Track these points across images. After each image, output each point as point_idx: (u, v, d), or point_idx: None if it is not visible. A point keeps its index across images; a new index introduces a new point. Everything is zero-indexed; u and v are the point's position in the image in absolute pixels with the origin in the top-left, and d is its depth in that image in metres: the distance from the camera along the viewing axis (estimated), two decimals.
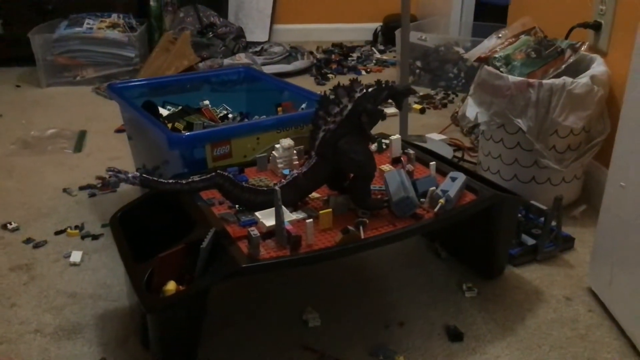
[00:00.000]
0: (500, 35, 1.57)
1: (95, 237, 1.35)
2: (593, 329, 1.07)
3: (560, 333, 1.06)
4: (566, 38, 1.52)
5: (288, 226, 0.90)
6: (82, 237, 1.36)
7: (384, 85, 0.99)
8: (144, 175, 0.89)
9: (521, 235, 1.29)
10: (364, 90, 0.97)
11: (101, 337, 1.04)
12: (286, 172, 1.10)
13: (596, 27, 1.51)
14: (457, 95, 2.38)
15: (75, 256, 1.26)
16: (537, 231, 1.29)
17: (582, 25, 1.52)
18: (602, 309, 1.12)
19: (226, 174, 0.94)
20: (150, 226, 1.04)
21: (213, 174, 0.93)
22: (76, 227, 1.39)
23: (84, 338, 1.04)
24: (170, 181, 0.92)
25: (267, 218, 0.92)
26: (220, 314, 1.07)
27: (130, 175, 0.88)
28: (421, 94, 2.39)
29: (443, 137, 1.89)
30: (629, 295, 1.03)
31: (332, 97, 0.98)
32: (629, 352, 1.01)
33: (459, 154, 1.78)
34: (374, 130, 1.03)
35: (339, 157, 0.97)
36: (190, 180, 0.93)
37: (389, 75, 2.69)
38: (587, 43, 1.47)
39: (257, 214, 0.95)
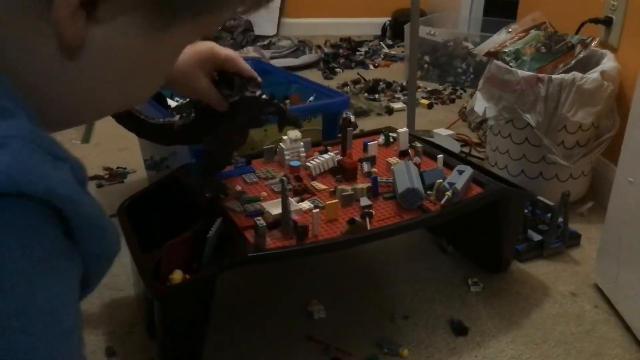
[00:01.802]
0: (510, 29, 1.56)
1: None
2: (598, 325, 1.07)
3: (566, 328, 1.06)
4: (576, 33, 1.51)
5: (295, 216, 0.90)
6: None
7: (275, 101, 0.98)
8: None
9: (527, 230, 1.28)
10: (254, 93, 0.93)
11: (107, 325, 1.05)
12: (294, 163, 1.10)
13: (607, 22, 1.49)
14: (465, 91, 2.37)
15: None
16: (544, 227, 1.29)
17: (593, 20, 1.51)
18: (608, 305, 1.11)
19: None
20: (157, 217, 1.04)
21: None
22: None
23: (90, 326, 1.04)
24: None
25: (273, 208, 0.92)
26: (225, 305, 1.07)
27: None
28: (429, 89, 2.38)
29: (450, 132, 1.88)
30: (635, 292, 1.02)
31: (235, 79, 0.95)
32: (634, 349, 1.01)
33: (466, 150, 1.78)
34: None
35: (205, 131, 0.97)
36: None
37: (397, 69, 2.68)
38: (597, 39, 1.46)
39: (263, 204, 0.95)
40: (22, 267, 0.31)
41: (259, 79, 0.95)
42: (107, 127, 2.01)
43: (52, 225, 0.33)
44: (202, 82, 0.89)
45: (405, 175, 1.01)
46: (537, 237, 1.27)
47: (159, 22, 0.40)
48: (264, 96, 0.95)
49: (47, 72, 0.39)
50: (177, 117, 1.00)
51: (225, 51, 0.92)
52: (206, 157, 1.01)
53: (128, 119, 0.98)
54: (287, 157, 1.12)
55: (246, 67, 0.93)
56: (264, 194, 1.02)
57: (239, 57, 0.94)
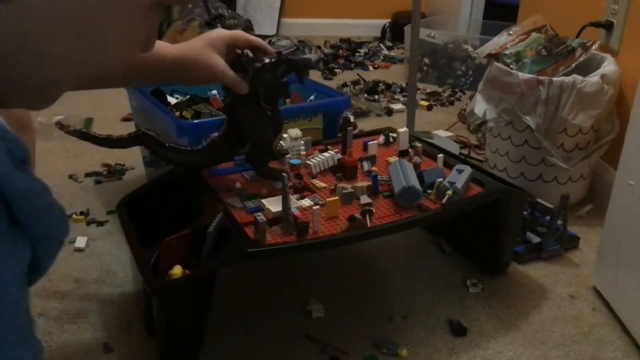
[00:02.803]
0: (511, 32, 1.56)
1: (100, 224, 1.35)
2: (597, 328, 1.07)
3: (564, 330, 1.06)
4: (577, 37, 1.52)
5: (295, 212, 0.90)
6: (87, 223, 1.36)
7: (282, 58, 0.96)
8: (83, 130, 0.98)
9: (527, 233, 1.28)
10: (264, 62, 0.94)
11: (105, 322, 1.04)
12: (294, 161, 1.09)
13: (608, 26, 1.50)
14: (464, 93, 2.37)
15: (80, 242, 1.26)
16: (543, 229, 1.29)
17: (594, 24, 1.52)
18: (606, 308, 1.11)
19: (151, 133, 0.99)
20: (156, 213, 1.03)
21: (139, 132, 1.00)
22: (81, 213, 1.39)
23: (88, 322, 1.04)
24: (104, 136, 1.00)
25: (273, 204, 0.92)
26: (224, 302, 1.06)
27: (72, 128, 0.97)
28: (428, 90, 2.38)
29: (450, 134, 1.88)
30: (634, 295, 1.02)
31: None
32: (632, 352, 1.01)
33: (465, 152, 1.78)
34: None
35: (238, 125, 0.99)
36: (120, 136, 1.00)
37: (397, 71, 2.68)
38: (598, 42, 1.46)
39: (263, 200, 0.95)
40: None
41: (269, 48, 0.95)
42: (105, 124, 2.01)
43: None
44: (217, 61, 0.90)
45: (400, 174, 1.01)
46: (536, 240, 1.27)
47: None
48: (272, 60, 0.94)
49: None
50: (214, 134, 1.02)
51: (232, 31, 0.94)
52: (251, 149, 1.02)
53: (168, 156, 1.01)
54: (287, 155, 1.12)
55: (255, 39, 0.95)
56: (264, 190, 1.01)
57: (245, 33, 0.95)
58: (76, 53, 0.40)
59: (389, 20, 3.31)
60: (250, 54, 0.94)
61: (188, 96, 1.51)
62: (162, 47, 0.90)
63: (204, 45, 0.90)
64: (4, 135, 0.33)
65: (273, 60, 0.94)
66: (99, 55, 0.42)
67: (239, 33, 0.94)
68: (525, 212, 1.27)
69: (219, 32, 0.92)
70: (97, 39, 0.41)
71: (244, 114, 0.98)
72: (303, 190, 1.03)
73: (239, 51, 0.94)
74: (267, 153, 1.04)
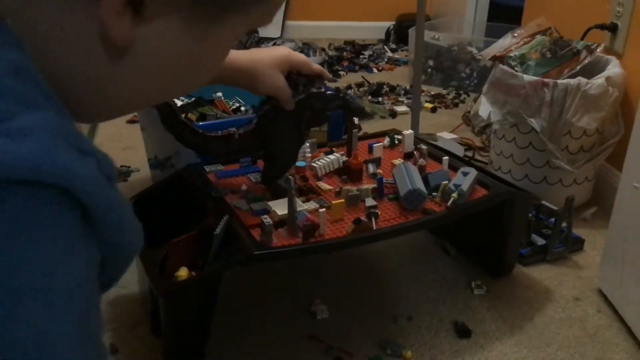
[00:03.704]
0: (515, 34, 1.57)
1: None
2: (602, 330, 1.07)
3: (569, 333, 1.06)
4: (582, 39, 1.52)
5: (307, 215, 0.91)
6: None
7: (341, 94, 0.99)
8: None
9: (531, 235, 1.28)
10: (321, 89, 0.97)
11: (110, 322, 1.04)
12: (299, 164, 1.10)
13: (613, 28, 1.50)
14: (468, 95, 2.37)
15: None
16: (547, 231, 1.29)
17: (599, 26, 1.52)
18: (611, 310, 1.11)
19: (174, 107, 1.00)
20: (162, 215, 1.04)
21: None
22: None
23: None
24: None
25: (279, 207, 0.92)
26: (229, 304, 1.07)
27: None
28: (432, 93, 2.39)
29: (454, 136, 1.89)
30: (639, 297, 1.02)
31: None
32: (638, 354, 1.01)
33: (469, 154, 1.78)
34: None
35: (269, 135, 1.00)
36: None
37: (401, 73, 2.68)
38: (602, 44, 1.46)
39: (269, 203, 0.95)
40: (34, 255, 0.31)
41: (329, 75, 0.99)
42: (111, 126, 2.01)
43: (71, 214, 0.33)
44: (280, 79, 0.95)
45: (405, 176, 1.01)
46: (540, 242, 1.27)
47: (208, 18, 0.39)
48: (329, 92, 0.97)
49: (89, 69, 0.39)
50: (233, 129, 1.02)
51: (299, 55, 0.99)
52: (269, 162, 1.03)
53: (183, 134, 1.00)
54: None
55: (317, 67, 0.99)
56: (270, 193, 1.02)
57: (310, 61, 0.99)
58: (169, 93, 0.46)
59: (393, 22, 3.31)
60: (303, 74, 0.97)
61: (193, 98, 1.52)
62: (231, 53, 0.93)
63: (272, 64, 0.94)
64: (92, 150, 0.34)
65: (331, 93, 0.97)
66: (187, 88, 0.47)
67: (303, 60, 0.97)
68: (530, 214, 1.27)
69: (287, 54, 0.96)
70: (191, 81, 0.45)
71: (278, 130, 0.98)
72: (308, 192, 1.03)
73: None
74: (284, 171, 1.04)
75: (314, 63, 0.99)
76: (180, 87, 0.46)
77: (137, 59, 0.39)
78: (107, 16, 0.36)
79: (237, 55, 0.93)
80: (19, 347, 0.29)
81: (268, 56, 0.95)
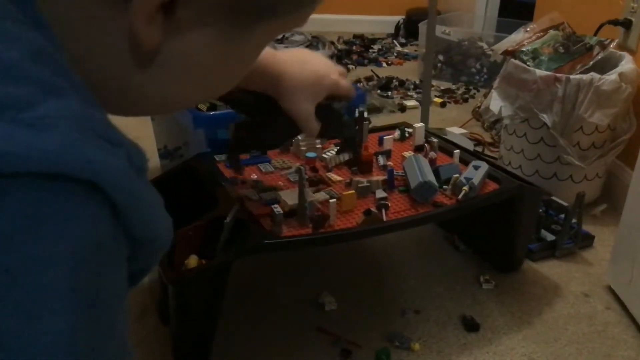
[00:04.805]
0: (528, 29, 1.55)
1: None
2: (611, 326, 1.06)
3: (577, 328, 1.05)
4: (595, 34, 1.51)
5: (317, 206, 0.91)
6: None
7: (353, 129, 0.96)
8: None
9: (541, 230, 1.28)
10: (341, 110, 0.90)
11: None
12: (310, 155, 1.10)
13: (626, 24, 1.49)
14: (478, 90, 2.36)
15: None
16: (557, 227, 1.28)
17: (612, 22, 1.50)
18: (620, 307, 1.11)
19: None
20: (171, 204, 1.03)
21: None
22: None
23: None
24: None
25: (289, 197, 0.92)
26: (237, 294, 1.07)
27: None
28: (442, 88, 2.38)
29: (464, 131, 1.88)
30: None
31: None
32: None
33: (479, 149, 1.77)
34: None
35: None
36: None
37: (410, 68, 2.67)
38: (616, 40, 1.45)
39: (280, 193, 0.95)
40: (58, 250, 0.29)
41: (353, 93, 0.89)
42: (119, 117, 2.01)
43: (98, 209, 0.31)
44: (307, 109, 0.82)
45: (416, 169, 1.01)
46: (550, 237, 1.26)
47: (242, 24, 0.38)
48: (346, 117, 0.90)
49: (116, 71, 0.38)
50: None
51: (343, 83, 0.86)
52: (240, 134, 0.95)
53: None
54: (303, 149, 1.12)
55: (346, 88, 0.88)
56: (280, 183, 1.02)
57: (351, 87, 0.89)
58: (194, 99, 0.45)
59: (403, 16, 3.30)
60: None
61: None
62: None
63: (303, 84, 0.81)
64: (121, 141, 0.33)
65: (349, 120, 0.92)
66: (215, 94, 0.46)
67: (345, 90, 0.86)
68: (539, 210, 1.27)
69: (325, 76, 0.83)
70: (219, 86, 0.44)
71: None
72: (318, 183, 1.03)
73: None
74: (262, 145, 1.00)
75: (346, 85, 0.86)
76: (207, 93, 0.45)
77: (165, 66, 0.38)
78: (137, 22, 0.35)
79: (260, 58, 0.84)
80: (46, 352, 0.28)
81: (299, 71, 0.80)
